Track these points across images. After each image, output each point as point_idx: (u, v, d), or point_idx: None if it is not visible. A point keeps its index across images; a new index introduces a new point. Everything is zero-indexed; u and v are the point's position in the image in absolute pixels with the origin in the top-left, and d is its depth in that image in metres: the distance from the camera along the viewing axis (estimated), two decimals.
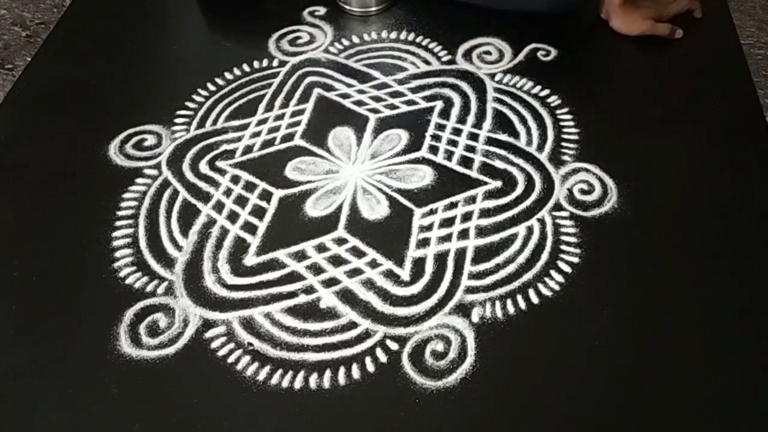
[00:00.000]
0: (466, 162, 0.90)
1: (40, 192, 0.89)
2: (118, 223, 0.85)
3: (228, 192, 0.88)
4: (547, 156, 0.91)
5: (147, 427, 0.69)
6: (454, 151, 0.92)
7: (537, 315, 0.75)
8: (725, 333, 0.74)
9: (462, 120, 0.95)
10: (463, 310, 0.76)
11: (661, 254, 0.80)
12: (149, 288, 0.79)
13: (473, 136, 0.93)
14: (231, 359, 0.73)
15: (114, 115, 0.97)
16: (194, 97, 0.99)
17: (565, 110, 0.96)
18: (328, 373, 0.71)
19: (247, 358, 0.73)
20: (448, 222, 0.84)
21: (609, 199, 0.85)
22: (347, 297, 0.77)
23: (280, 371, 0.72)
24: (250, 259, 0.81)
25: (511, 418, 0.69)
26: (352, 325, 0.75)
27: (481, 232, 0.83)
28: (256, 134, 0.94)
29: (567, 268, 0.79)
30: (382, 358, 0.73)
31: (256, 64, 1.04)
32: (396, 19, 1.10)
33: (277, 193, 0.87)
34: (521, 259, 0.80)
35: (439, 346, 0.73)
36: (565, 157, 0.90)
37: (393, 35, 1.08)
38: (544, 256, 0.80)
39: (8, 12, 1.94)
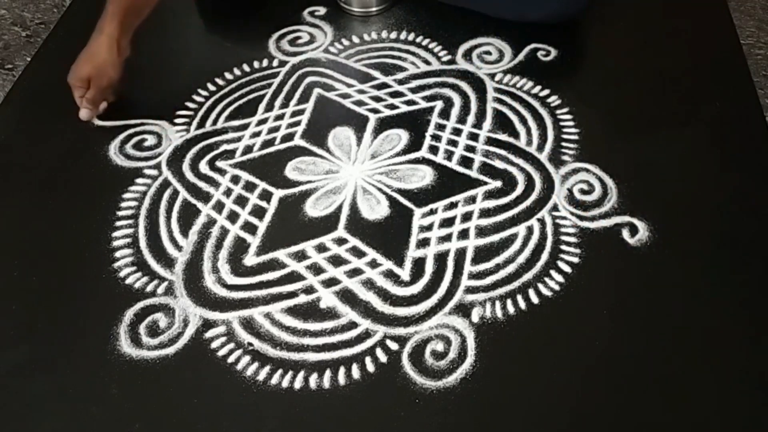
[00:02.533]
0: (466, 162, 0.90)
1: (40, 192, 0.89)
2: (118, 223, 0.85)
3: (228, 192, 0.88)
4: (547, 156, 0.91)
5: (147, 427, 0.69)
6: (454, 151, 0.92)
7: (537, 315, 0.75)
8: (725, 332, 0.74)
9: (462, 120, 0.95)
10: (463, 310, 0.76)
11: (661, 254, 0.80)
12: (149, 288, 0.79)
13: (473, 136, 0.93)
14: (231, 359, 0.73)
15: (114, 115, 0.97)
16: (194, 97, 0.99)
17: (565, 110, 0.96)
18: (328, 373, 0.71)
19: (247, 358, 0.73)
20: (448, 222, 0.84)
21: (609, 199, 0.85)
22: (347, 297, 0.77)
23: (280, 371, 0.72)
24: (250, 259, 0.81)
25: (511, 418, 0.69)
26: (352, 325, 0.75)
27: (481, 232, 0.83)
28: (256, 134, 0.94)
29: (567, 268, 0.79)
30: (382, 358, 0.73)
31: (256, 64, 1.04)
32: (396, 19, 1.10)
33: (277, 193, 0.87)
34: (521, 259, 0.80)
35: (439, 346, 0.73)
36: (565, 157, 0.90)
37: (393, 35, 1.08)
38: (544, 256, 0.80)
39: (8, 12, 1.93)
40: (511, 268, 0.79)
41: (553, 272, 0.79)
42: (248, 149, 0.93)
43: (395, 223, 0.84)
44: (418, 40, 1.07)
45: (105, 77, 0.93)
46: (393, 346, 0.73)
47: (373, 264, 0.80)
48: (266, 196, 0.87)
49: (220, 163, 0.91)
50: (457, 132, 0.94)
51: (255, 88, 1.00)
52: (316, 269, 0.80)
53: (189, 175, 0.90)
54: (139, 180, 0.89)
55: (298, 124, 0.96)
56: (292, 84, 1.01)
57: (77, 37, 1.11)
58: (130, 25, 0.95)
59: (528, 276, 0.79)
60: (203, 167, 0.91)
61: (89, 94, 0.93)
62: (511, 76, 1.01)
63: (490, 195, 0.87)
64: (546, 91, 0.98)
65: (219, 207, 0.86)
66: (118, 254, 0.82)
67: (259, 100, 0.99)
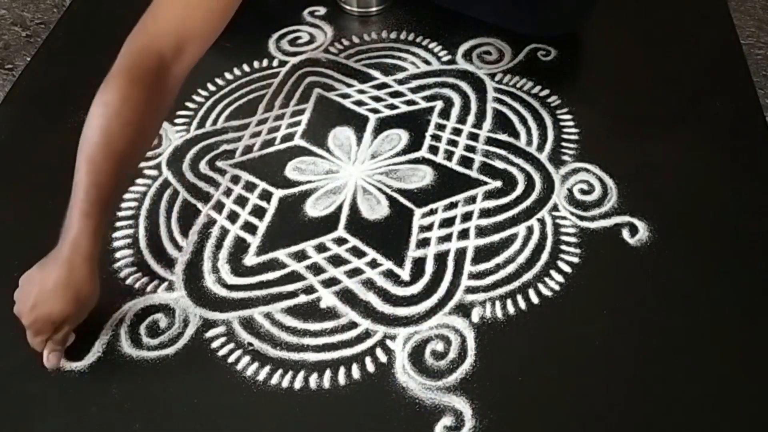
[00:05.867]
0: (466, 162, 0.90)
1: (40, 192, 0.89)
2: (118, 224, 0.85)
3: (228, 192, 0.88)
4: (547, 156, 0.91)
5: (147, 427, 0.69)
6: (454, 151, 0.91)
7: (537, 315, 0.75)
8: (725, 332, 0.74)
9: (462, 120, 0.95)
10: (463, 310, 0.76)
11: (660, 254, 0.80)
12: (149, 288, 0.79)
13: (473, 136, 0.93)
14: (231, 359, 0.73)
15: None
16: (194, 97, 0.99)
17: (565, 110, 0.96)
18: (328, 373, 0.71)
19: (247, 358, 0.73)
20: (448, 222, 0.84)
21: (609, 199, 0.85)
22: (347, 297, 0.77)
23: (280, 371, 0.72)
24: (250, 259, 0.81)
25: (511, 419, 0.69)
26: (352, 325, 0.75)
27: (481, 232, 0.83)
28: (256, 134, 0.94)
29: (567, 268, 0.79)
30: (382, 358, 0.73)
31: (256, 64, 1.04)
32: (396, 19, 1.10)
33: (277, 193, 0.87)
34: (521, 259, 0.80)
35: (439, 346, 0.73)
36: (565, 157, 0.90)
37: (393, 35, 1.08)
38: (544, 256, 0.80)
39: (8, 12, 1.94)
40: (511, 268, 0.79)
41: (553, 272, 0.79)
42: (248, 149, 0.93)
43: (395, 223, 0.84)
44: (418, 40, 1.07)
45: (86, 312, 0.72)
46: (393, 345, 0.73)
47: (373, 264, 0.80)
48: (266, 196, 0.87)
49: (220, 163, 0.91)
50: (457, 132, 0.94)
51: (255, 88, 1.00)
52: (316, 269, 0.80)
53: (189, 175, 0.90)
54: (139, 180, 0.89)
55: (298, 124, 0.96)
56: (292, 84, 1.01)
57: (77, 37, 1.11)
58: (105, 227, 0.74)
59: (528, 276, 0.79)
60: (203, 167, 0.91)
61: (60, 335, 0.70)
62: (511, 76, 1.01)
63: (490, 195, 0.87)
64: (546, 91, 0.98)
65: (219, 207, 0.86)
66: (118, 254, 0.82)
67: (259, 100, 0.99)
